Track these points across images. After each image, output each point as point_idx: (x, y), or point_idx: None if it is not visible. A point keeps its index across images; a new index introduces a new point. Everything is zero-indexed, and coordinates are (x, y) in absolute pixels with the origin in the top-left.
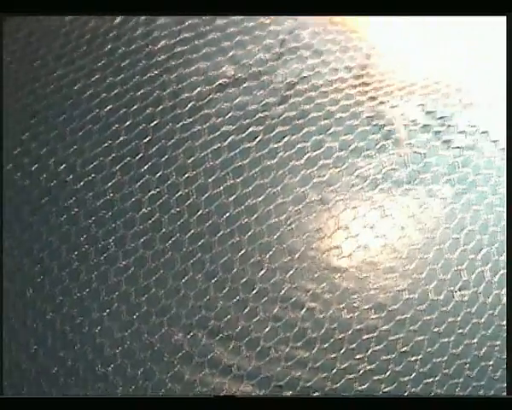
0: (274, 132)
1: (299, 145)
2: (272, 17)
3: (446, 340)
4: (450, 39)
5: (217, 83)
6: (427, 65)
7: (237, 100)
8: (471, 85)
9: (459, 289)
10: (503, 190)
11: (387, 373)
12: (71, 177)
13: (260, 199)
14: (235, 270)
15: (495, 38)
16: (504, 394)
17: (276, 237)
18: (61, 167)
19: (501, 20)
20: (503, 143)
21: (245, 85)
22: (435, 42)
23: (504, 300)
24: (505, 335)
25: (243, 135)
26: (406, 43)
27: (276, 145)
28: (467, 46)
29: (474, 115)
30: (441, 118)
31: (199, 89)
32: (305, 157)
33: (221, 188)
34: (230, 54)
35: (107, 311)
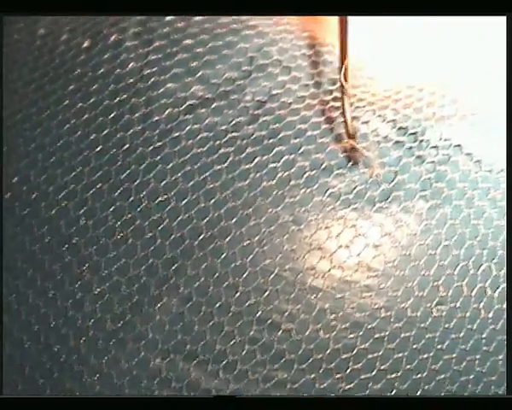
0: (244, 153)
1: (270, 165)
2: (241, 34)
3: (426, 356)
4: (420, 53)
5: (186, 104)
6: (399, 78)
7: (207, 121)
8: (443, 99)
9: (436, 305)
10: (478, 202)
11: (367, 392)
12: (42, 204)
13: (233, 222)
14: (209, 294)
15: (472, 46)
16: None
17: (249, 259)
18: (33, 195)
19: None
20: (477, 156)
21: (214, 106)
22: (405, 56)
23: (483, 314)
24: (484, 348)
25: (214, 157)
26: (378, 56)
27: (247, 166)
28: (439, 58)
29: (447, 129)
30: (413, 134)
31: (168, 111)
32: (277, 177)
33: (193, 211)
34: (199, 74)
35: (83, 338)
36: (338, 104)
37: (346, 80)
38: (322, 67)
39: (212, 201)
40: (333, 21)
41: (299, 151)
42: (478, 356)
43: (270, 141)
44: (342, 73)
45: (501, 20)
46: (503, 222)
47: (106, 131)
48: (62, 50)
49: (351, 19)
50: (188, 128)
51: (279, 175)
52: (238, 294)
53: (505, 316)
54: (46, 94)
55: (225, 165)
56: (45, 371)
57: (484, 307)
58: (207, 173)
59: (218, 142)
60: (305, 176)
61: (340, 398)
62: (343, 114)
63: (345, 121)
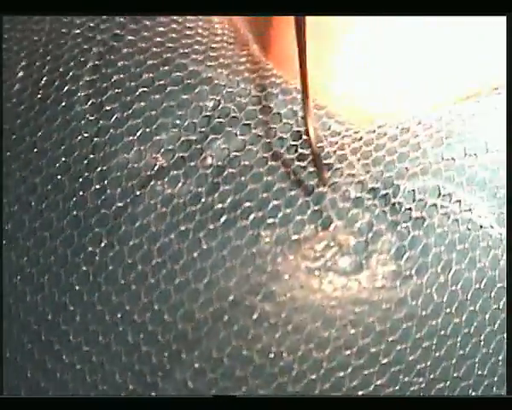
0: (205, 230)
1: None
2: (196, 91)
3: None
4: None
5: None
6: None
7: (163, 194)
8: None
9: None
10: (457, 267)
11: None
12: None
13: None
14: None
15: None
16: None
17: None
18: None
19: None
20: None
21: (170, 175)
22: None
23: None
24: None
25: (172, 236)
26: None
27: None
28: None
29: (421, 186)
30: (385, 196)
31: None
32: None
33: (154, 296)
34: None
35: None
36: (303, 164)
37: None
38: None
39: (176, 282)
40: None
41: (263, 225)
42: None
43: (231, 215)
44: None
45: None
46: (482, 285)
47: (59, 209)
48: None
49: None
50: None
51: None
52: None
53: (504, 315)
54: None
55: (185, 244)
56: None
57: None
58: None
59: (175, 218)
60: (270, 254)
61: (341, 398)
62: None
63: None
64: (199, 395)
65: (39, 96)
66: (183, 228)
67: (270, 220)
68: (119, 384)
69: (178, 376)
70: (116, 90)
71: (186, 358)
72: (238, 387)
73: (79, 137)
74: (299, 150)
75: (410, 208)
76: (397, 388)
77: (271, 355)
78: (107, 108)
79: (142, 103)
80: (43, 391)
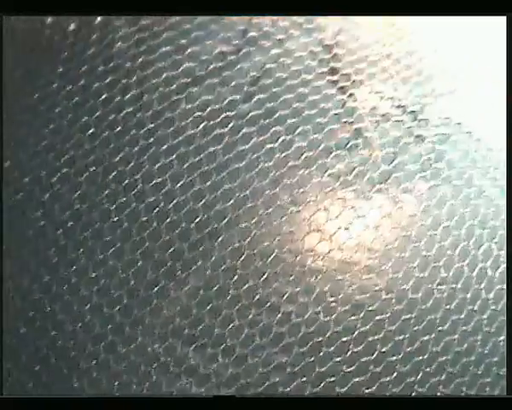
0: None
1: (267, 146)
2: None
3: (426, 338)
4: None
5: (176, 83)
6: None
7: (200, 100)
8: (443, 73)
9: (437, 286)
10: (477, 182)
11: (368, 375)
12: (37, 189)
13: (229, 204)
14: (207, 277)
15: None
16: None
17: (247, 241)
18: (25, 180)
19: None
20: (477, 134)
21: (206, 83)
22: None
23: (483, 294)
24: (485, 329)
25: (208, 138)
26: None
27: (243, 147)
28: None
29: (447, 106)
30: (412, 112)
31: (160, 90)
32: (274, 158)
33: (188, 194)
34: (188, 51)
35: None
36: (335, 78)
37: None
38: (317, 33)
39: (208, 183)
40: None
41: (297, 132)
42: (479, 337)
43: (267, 121)
44: None
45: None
46: (503, 201)
47: (97, 114)
48: (49, 34)
49: None
50: (180, 108)
51: (276, 156)
52: (236, 277)
53: (505, 312)
54: (34, 78)
55: (221, 146)
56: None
57: (485, 287)
58: (202, 155)
59: (211, 122)
60: (303, 157)
61: (341, 398)
62: None
63: None
64: (199, 396)
65: None
66: (216, 132)
67: (301, 128)
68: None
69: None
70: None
71: None
72: None
73: (116, 47)
74: (331, 64)
75: (436, 124)
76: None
77: None
78: (142, 22)
79: (177, 18)
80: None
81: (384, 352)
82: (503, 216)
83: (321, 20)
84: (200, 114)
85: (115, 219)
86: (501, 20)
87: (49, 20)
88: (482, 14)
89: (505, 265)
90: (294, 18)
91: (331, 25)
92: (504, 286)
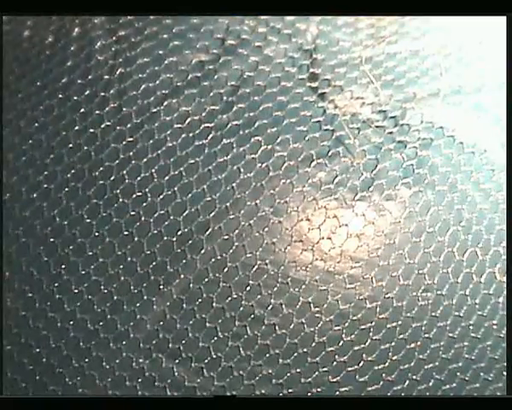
0: (220, 145)
1: (248, 156)
2: (204, 17)
3: (412, 345)
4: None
5: (154, 95)
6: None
7: (179, 111)
8: (425, 77)
9: (422, 293)
10: (461, 187)
11: (354, 384)
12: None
13: (211, 216)
14: (190, 290)
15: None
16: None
17: (229, 253)
18: (6, 196)
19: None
20: (459, 138)
21: (185, 94)
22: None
23: (469, 300)
24: (472, 335)
25: (188, 150)
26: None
27: (223, 158)
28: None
29: (429, 110)
30: (393, 117)
31: (138, 103)
32: (255, 169)
33: (169, 207)
34: (165, 62)
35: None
36: (315, 84)
37: None
38: (296, 38)
39: (189, 195)
40: None
41: (277, 141)
42: (466, 343)
43: (246, 131)
44: None
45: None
46: (487, 206)
47: (76, 128)
48: (25, 47)
49: None
50: (159, 120)
51: (257, 166)
52: (219, 289)
53: (502, 308)
54: (12, 92)
55: (201, 158)
56: (25, 374)
57: (470, 293)
58: (182, 167)
59: (191, 133)
60: (284, 166)
61: (341, 398)
62: None
63: None
64: (199, 396)
65: None
66: (196, 143)
67: (282, 138)
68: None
69: None
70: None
71: None
72: None
73: (94, 60)
74: (311, 70)
75: (417, 129)
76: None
77: None
78: (121, 33)
79: (154, 28)
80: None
81: (370, 360)
82: (487, 221)
83: (299, 25)
84: (179, 126)
85: (97, 233)
86: (484, 21)
87: (27, 33)
88: (482, 14)
89: (491, 270)
90: (272, 23)
91: (310, 28)
92: (491, 291)
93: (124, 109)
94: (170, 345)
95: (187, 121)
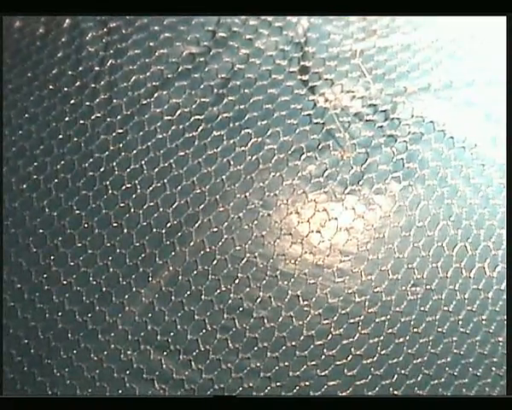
0: (210, 137)
1: (238, 149)
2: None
3: (401, 340)
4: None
5: (145, 87)
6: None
7: (169, 103)
8: (416, 71)
9: (411, 288)
10: (452, 181)
11: (343, 378)
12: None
13: (200, 208)
14: (179, 282)
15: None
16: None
17: (218, 246)
18: None
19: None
20: (450, 133)
21: (175, 86)
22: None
23: (458, 295)
24: (461, 330)
25: (178, 142)
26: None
27: (213, 151)
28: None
29: (419, 105)
30: (384, 111)
31: (129, 95)
32: (245, 161)
33: (159, 199)
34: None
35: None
36: (306, 77)
37: None
38: (287, 31)
39: (179, 187)
40: None
41: (267, 133)
42: (454, 338)
43: (237, 123)
44: None
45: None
46: (477, 200)
47: (66, 119)
48: (16, 38)
49: None
50: (149, 112)
51: (247, 159)
52: (208, 282)
53: (505, 315)
54: (4, 83)
55: (191, 150)
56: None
57: (460, 288)
58: (172, 159)
59: (181, 126)
60: (273, 159)
61: (341, 398)
62: None
63: None
64: (199, 396)
65: None
66: (186, 135)
67: (272, 130)
68: None
69: None
70: None
71: None
72: None
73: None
74: (302, 63)
75: (407, 124)
76: None
77: None
78: (112, 24)
79: (145, 20)
80: None
81: (359, 355)
82: (477, 216)
83: (290, 17)
84: (169, 118)
85: (86, 225)
86: (479, 20)
87: (18, 23)
88: (482, 14)
89: (480, 265)
90: (263, 16)
91: (301, 21)
92: (480, 286)
93: (114, 101)
94: (158, 337)
95: (177, 113)
